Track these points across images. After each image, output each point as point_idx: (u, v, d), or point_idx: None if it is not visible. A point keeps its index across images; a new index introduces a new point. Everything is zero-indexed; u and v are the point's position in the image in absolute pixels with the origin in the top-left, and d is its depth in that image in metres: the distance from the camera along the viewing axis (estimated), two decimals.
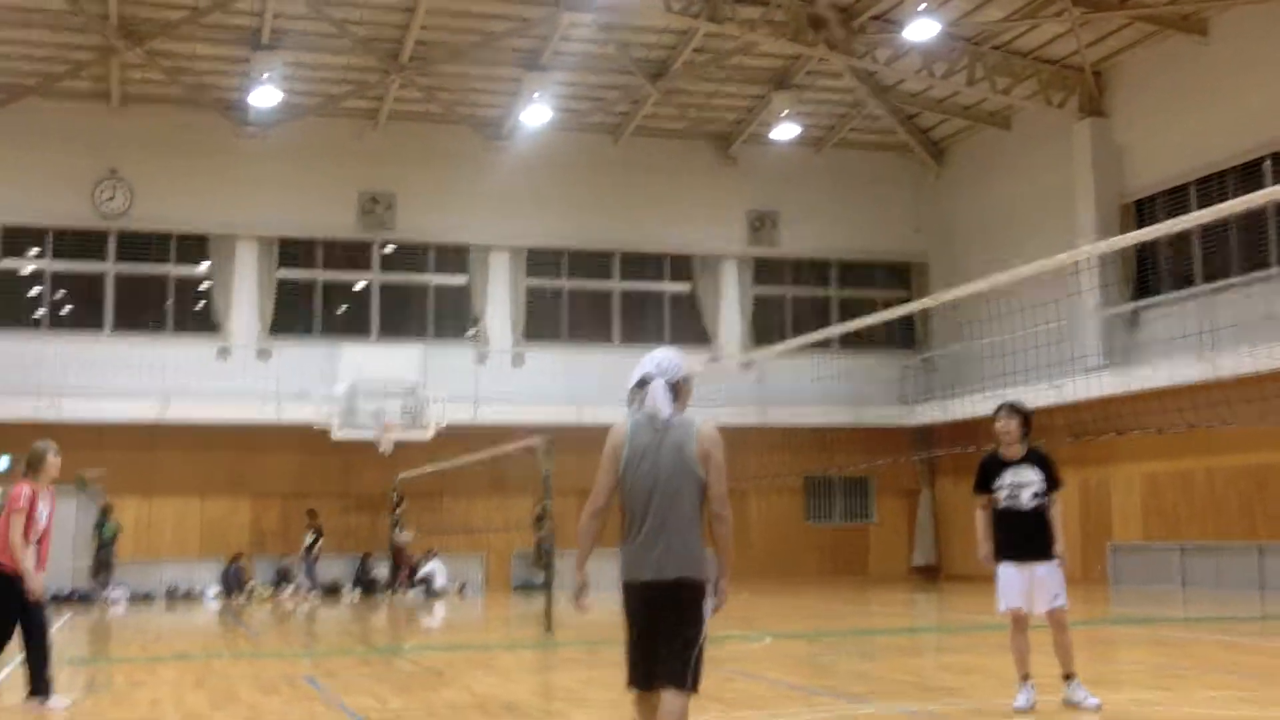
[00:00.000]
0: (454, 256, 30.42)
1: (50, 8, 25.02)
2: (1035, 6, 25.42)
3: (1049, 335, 22.89)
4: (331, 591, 27.70)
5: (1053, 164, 28.54)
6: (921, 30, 24.60)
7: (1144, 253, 26.55)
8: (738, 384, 28.62)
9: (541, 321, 30.81)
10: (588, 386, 29.32)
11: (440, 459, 26.19)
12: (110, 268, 28.54)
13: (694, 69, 28.81)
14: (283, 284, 29.23)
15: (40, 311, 28.20)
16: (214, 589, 27.21)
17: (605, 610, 23.09)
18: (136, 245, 28.63)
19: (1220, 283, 24.29)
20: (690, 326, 31.60)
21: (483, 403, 28.70)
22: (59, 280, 28.58)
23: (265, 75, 26.66)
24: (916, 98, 30.55)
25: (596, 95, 30.10)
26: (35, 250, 28.53)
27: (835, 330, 13.86)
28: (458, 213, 30.14)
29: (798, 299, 32.70)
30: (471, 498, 28.96)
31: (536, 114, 28.53)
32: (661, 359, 6.32)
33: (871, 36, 27.00)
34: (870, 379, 30.47)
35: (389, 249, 30.15)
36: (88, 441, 24.56)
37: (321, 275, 29.73)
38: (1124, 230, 25.13)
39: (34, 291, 28.44)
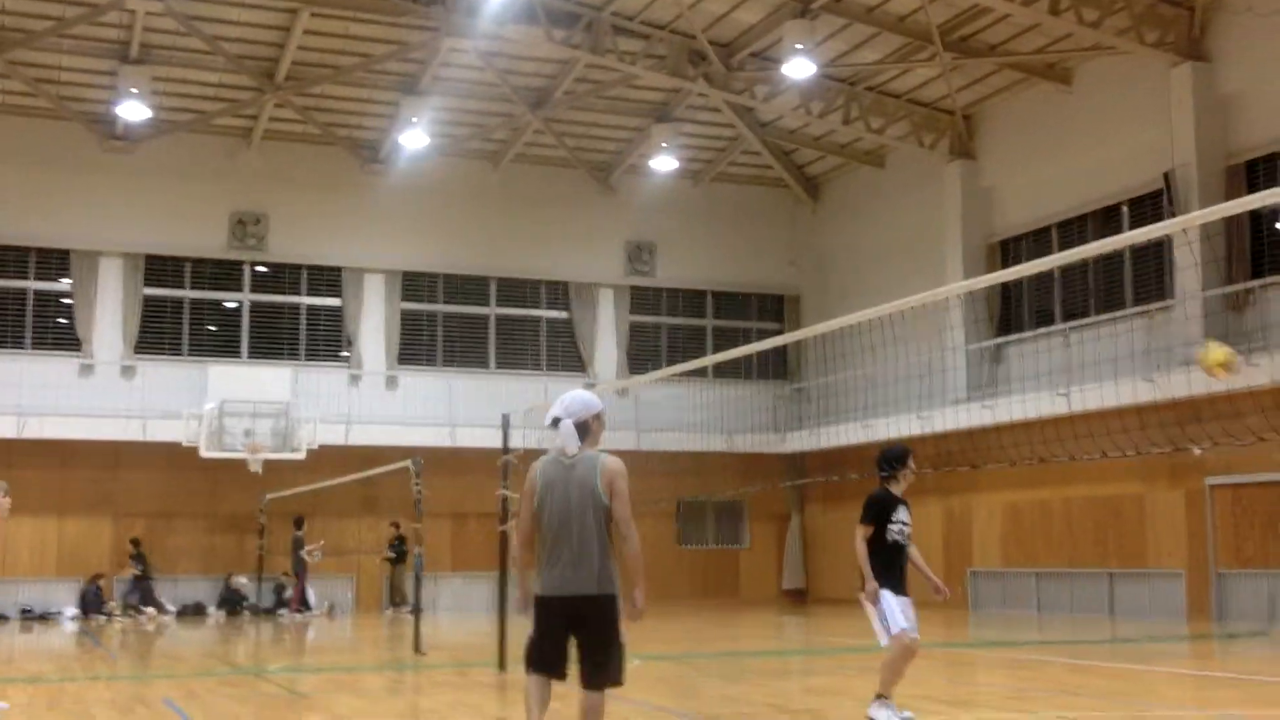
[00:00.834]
0: (327, 278, 30.15)
1: None
2: (908, 50, 26.12)
3: (917, 368, 23.52)
4: (196, 612, 27.24)
5: (924, 203, 29.33)
6: (799, 69, 25.11)
7: (1008, 291, 27.40)
8: (614, 410, 28.72)
9: (416, 345, 30.69)
10: (462, 410, 29.36)
11: (312, 480, 25.94)
12: None
13: (575, 99, 29.01)
14: (149, 301, 28.67)
15: None
16: (72, 610, 26.52)
17: (473, 632, 23.04)
18: None
19: (1079, 321, 25.15)
20: (566, 352, 31.76)
21: (355, 424, 28.53)
22: None
23: (133, 89, 26.19)
24: (793, 134, 31.15)
25: (476, 122, 30.13)
26: None
27: (710, 359, 14.08)
28: (332, 235, 29.90)
29: (673, 327, 33.03)
30: (343, 518, 28.68)
31: (414, 138, 28.42)
32: (570, 401, 7.07)
33: (750, 74, 27.50)
34: (744, 407, 30.87)
35: (260, 269, 29.77)
36: None
37: (190, 294, 29.24)
38: (990, 269, 25.96)
39: None
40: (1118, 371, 21.62)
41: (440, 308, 31.06)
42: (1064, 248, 23.73)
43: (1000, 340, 27.09)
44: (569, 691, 6.71)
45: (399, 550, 27.70)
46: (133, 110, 26.63)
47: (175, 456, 27.13)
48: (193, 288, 29.23)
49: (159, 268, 28.86)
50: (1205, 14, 23.11)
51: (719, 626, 23.12)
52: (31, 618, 26.36)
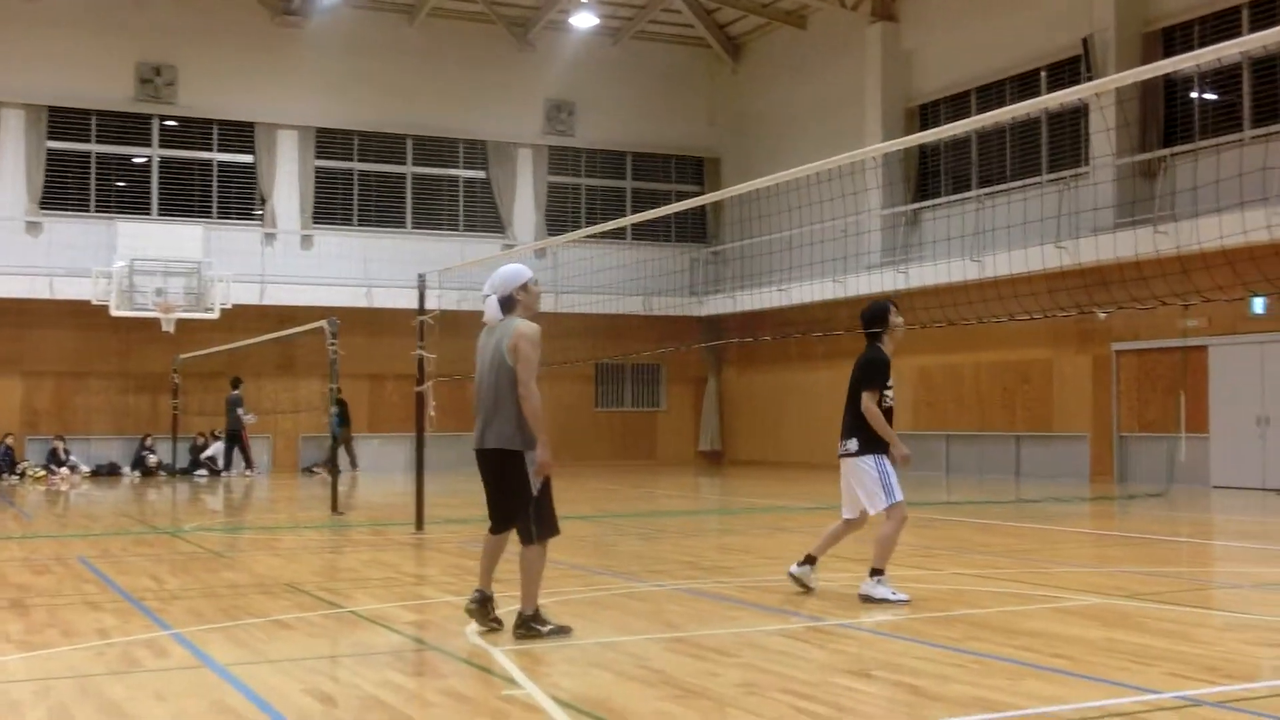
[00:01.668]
0: (239, 134, 29.47)
1: None
2: None
3: (833, 232, 23.63)
4: (110, 473, 27.11)
5: (844, 65, 29.20)
6: None
7: (925, 157, 27.51)
8: (532, 271, 28.65)
9: (331, 204, 30.23)
10: (379, 270, 29.11)
11: (226, 340, 25.71)
12: None
13: None
14: (53, 155, 27.88)
15: None
16: None
17: (391, 493, 23.08)
18: None
19: (994, 188, 25.36)
20: (485, 213, 31.49)
21: (270, 284, 28.22)
22: None
23: None
24: None
25: None
26: None
27: (629, 220, 14.02)
28: (244, 89, 29.15)
29: (592, 189, 32.82)
30: (259, 379, 28.47)
31: None
32: (495, 278, 7.63)
33: None
34: (662, 270, 30.93)
35: (170, 123, 29.00)
36: None
37: (96, 148, 28.44)
38: (908, 133, 25.99)
39: None
40: (1030, 238, 21.91)
41: (356, 165, 30.55)
42: (982, 113, 23.83)
43: (916, 205, 27.27)
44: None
45: (342, 414, 27.07)
46: None
47: (85, 315, 26.73)
48: (99, 141, 28.43)
49: (63, 120, 28.01)
50: None
51: (635, 487, 23.47)
52: None
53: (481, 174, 31.60)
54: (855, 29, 28.73)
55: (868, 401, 8.90)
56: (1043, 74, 24.76)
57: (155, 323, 26.61)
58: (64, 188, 28.06)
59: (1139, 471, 22.60)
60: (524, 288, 7.59)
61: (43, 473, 26.13)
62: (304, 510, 18.48)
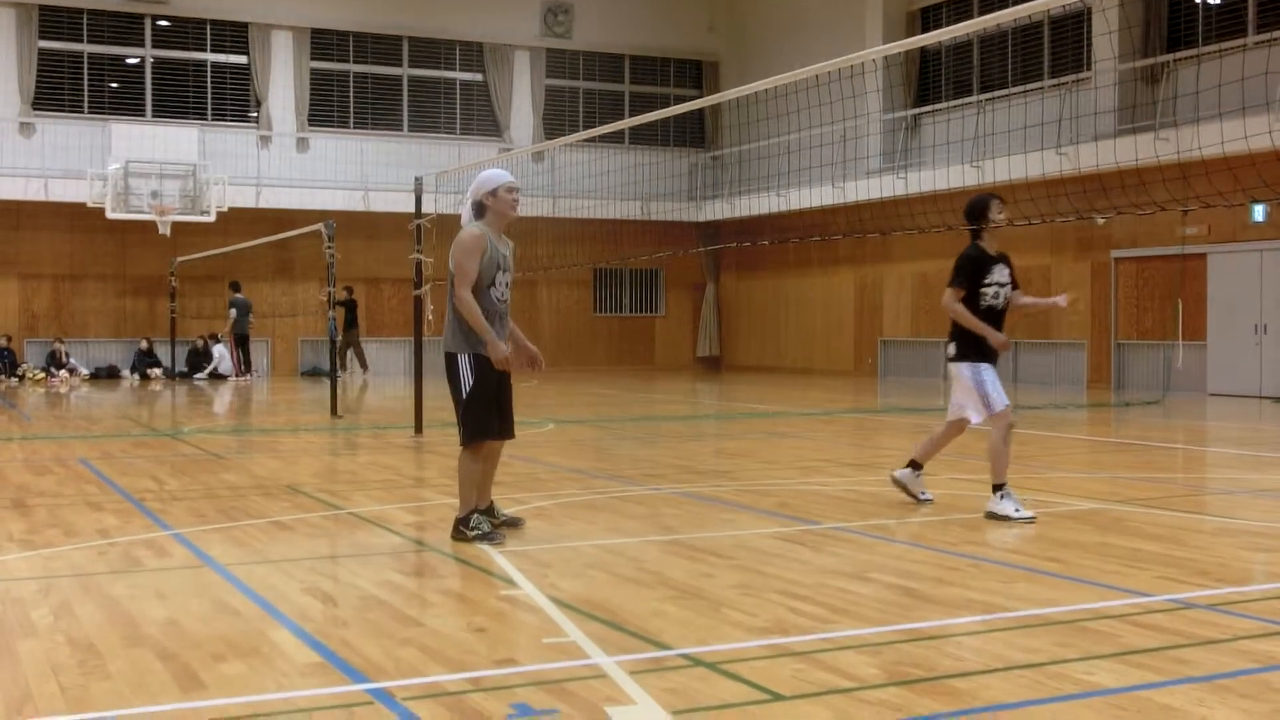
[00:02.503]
0: (233, 34, 29.09)
1: None
2: None
3: (833, 136, 23.45)
4: (110, 376, 27.20)
5: None
6: None
7: (926, 60, 27.21)
8: (529, 176, 28.53)
9: (326, 106, 29.94)
10: (375, 173, 28.94)
11: (223, 243, 25.64)
12: None
13: None
14: (45, 55, 27.54)
15: None
16: None
17: (390, 396, 23.18)
18: None
19: (995, 93, 25.12)
20: (481, 116, 31.21)
21: (266, 187, 28.07)
22: None
23: None
24: None
25: None
26: None
27: (627, 122, 13.90)
28: None
29: (590, 92, 32.49)
30: (256, 281, 28.44)
31: None
32: (472, 184, 7.55)
33: None
34: (660, 174, 30.75)
35: (163, 23, 28.61)
36: None
37: (89, 48, 28.09)
38: (909, 36, 25.67)
39: None
40: (1030, 143, 21.75)
41: (351, 67, 30.21)
42: (984, 16, 23.52)
43: (917, 110, 27.04)
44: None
45: (351, 314, 26.95)
46: None
47: (80, 217, 26.64)
48: (90, 41, 28.07)
49: (54, 19, 27.64)
50: None
51: (633, 392, 23.54)
52: None
53: (478, 76, 31.27)
54: None
55: (949, 298, 8.43)
56: None
57: (151, 225, 26.52)
58: (57, 88, 27.76)
59: (1136, 379, 22.67)
60: (493, 193, 7.44)
61: (42, 375, 26.19)
62: (304, 414, 18.55)
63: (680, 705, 4.21)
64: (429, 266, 14.60)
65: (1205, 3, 22.11)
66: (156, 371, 27.36)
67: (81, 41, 28.01)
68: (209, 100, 28.99)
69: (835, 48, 23.00)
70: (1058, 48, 24.40)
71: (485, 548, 7.14)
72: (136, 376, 27.19)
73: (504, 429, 7.58)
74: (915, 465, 8.91)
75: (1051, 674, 4.57)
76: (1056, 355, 24.16)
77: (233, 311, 26.62)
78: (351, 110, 30.24)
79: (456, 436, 7.58)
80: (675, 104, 20.78)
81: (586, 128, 29.43)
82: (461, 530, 7.40)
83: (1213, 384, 21.28)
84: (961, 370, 8.49)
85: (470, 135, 30.79)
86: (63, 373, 26.39)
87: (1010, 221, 8.44)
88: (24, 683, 4.51)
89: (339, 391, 18.38)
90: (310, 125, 29.49)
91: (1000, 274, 8.45)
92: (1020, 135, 21.90)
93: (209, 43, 28.99)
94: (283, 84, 29.23)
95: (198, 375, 27.24)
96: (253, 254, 26.72)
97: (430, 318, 14.56)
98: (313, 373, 28.56)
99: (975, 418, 8.53)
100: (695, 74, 33.28)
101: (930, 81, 27.43)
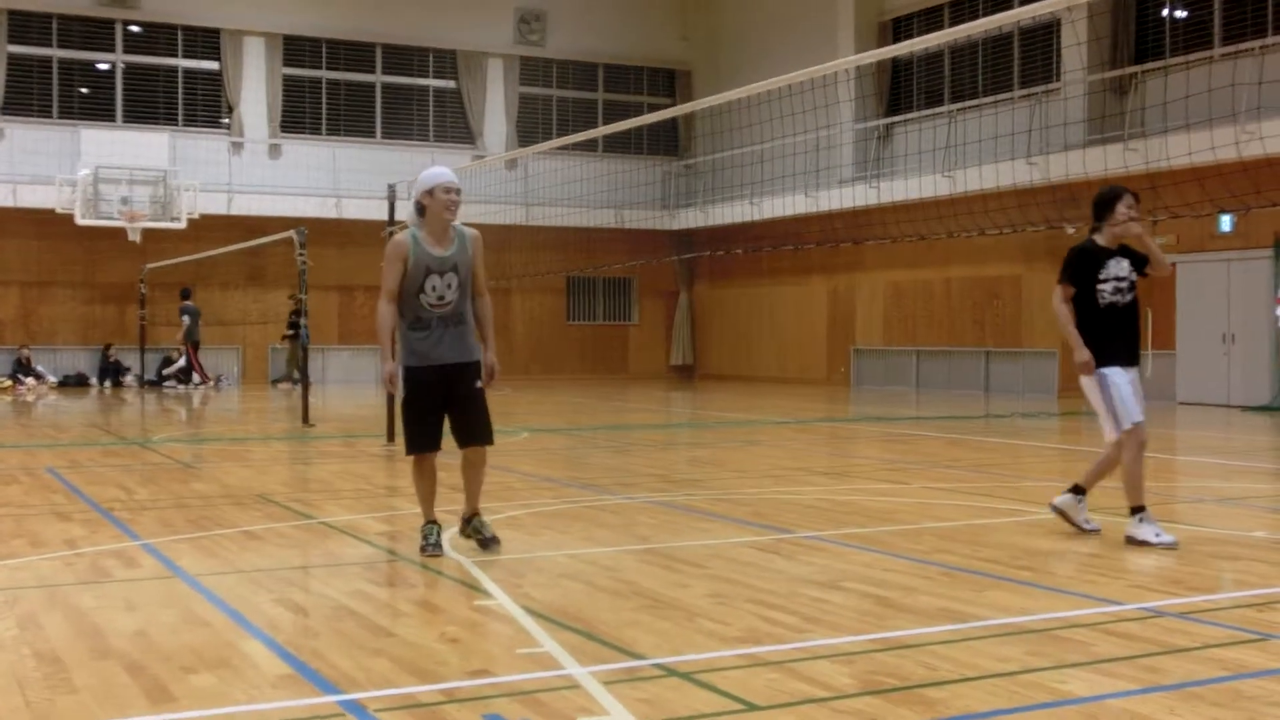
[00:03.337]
0: (204, 40, 28.96)
1: None
2: None
3: (806, 146, 23.52)
4: (79, 383, 27.01)
5: None
6: None
7: (898, 71, 27.34)
8: (502, 184, 28.52)
9: (299, 113, 29.83)
10: (349, 181, 28.85)
11: (194, 250, 25.51)
12: None
13: None
14: (14, 60, 27.35)
15: None
16: None
17: (361, 404, 23.03)
18: None
19: (966, 103, 25.26)
20: (455, 124, 31.16)
21: (238, 193, 27.95)
22: None
23: None
24: None
25: None
26: None
27: (600, 130, 13.92)
28: None
29: (563, 100, 32.49)
30: (227, 289, 28.33)
31: None
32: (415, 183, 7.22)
33: None
34: (633, 182, 30.75)
35: (134, 28, 28.46)
36: None
37: (58, 53, 27.90)
38: (881, 47, 25.82)
39: None
40: (1001, 153, 21.87)
41: (324, 74, 30.11)
42: (955, 27, 23.66)
43: (889, 120, 27.16)
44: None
45: (297, 325, 26.86)
46: None
47: (49, 224, 26.46)
48: (60, 46, 27.89)
49: (23, 24, 27.45)
50: None
51: (606, 401, 23.52)
52: None
53: (452, 84, 31.22)
54: None
55: (1056, 296, 7.70)
56: None
57: (121, 232, 26.35)
58: (26, 93, 27.57)
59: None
60: (430, 193, 7.08)
61: (9, 383, 25.97)
62: (274, 422, 18.45)
63: (654, 716, 4.20)
64: None
65: (1172, 16, 22.29)
66: (129, 378, 27.21)
67: (51, 46, 27.82)
68: (180, 106, 28.84)
69: (807, 57, 23.10)
70: (1027, 59, 24.56)
71: (459, 557, 7.11)
72: (109, 384, 27.01)
73: (461, 441, 7.21)
74: (1078, 490, 7.97)
75: (1024, 683, 4.58)
76: (1027, 364, 24.28)
77: (186, 319, 26.51)
78: (324, 117, 30.13)
79: None
80: (649, 112, 20.81)
81: (560, 135, 29.44)
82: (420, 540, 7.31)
83: (1182, 393, 21.42)
84: (1091, 379, 7.67)
85: (444, 143, 30.73)
86: (29, 380, 26.18)
87: (1138, 219, 7.64)
88: None
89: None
90: (282, 132, 29.37)
91: (1118, 268, 7.61)
92: (991, 145, 22.02)
93: (180, 48, 28.84)
94: (255, 90, 29.11)
95: (166, 373, 27.05)
96: (224, 261, 26.60)
97: None
98: (281, 381, 28.41)
99: (1109, 432, 7.68)
100: (669, 82, 33.33)
101: (902, 91, 27.56)
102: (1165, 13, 22.27)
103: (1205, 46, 21.35)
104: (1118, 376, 7.56)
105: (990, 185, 20.45)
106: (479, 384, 7.17)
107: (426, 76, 31.07)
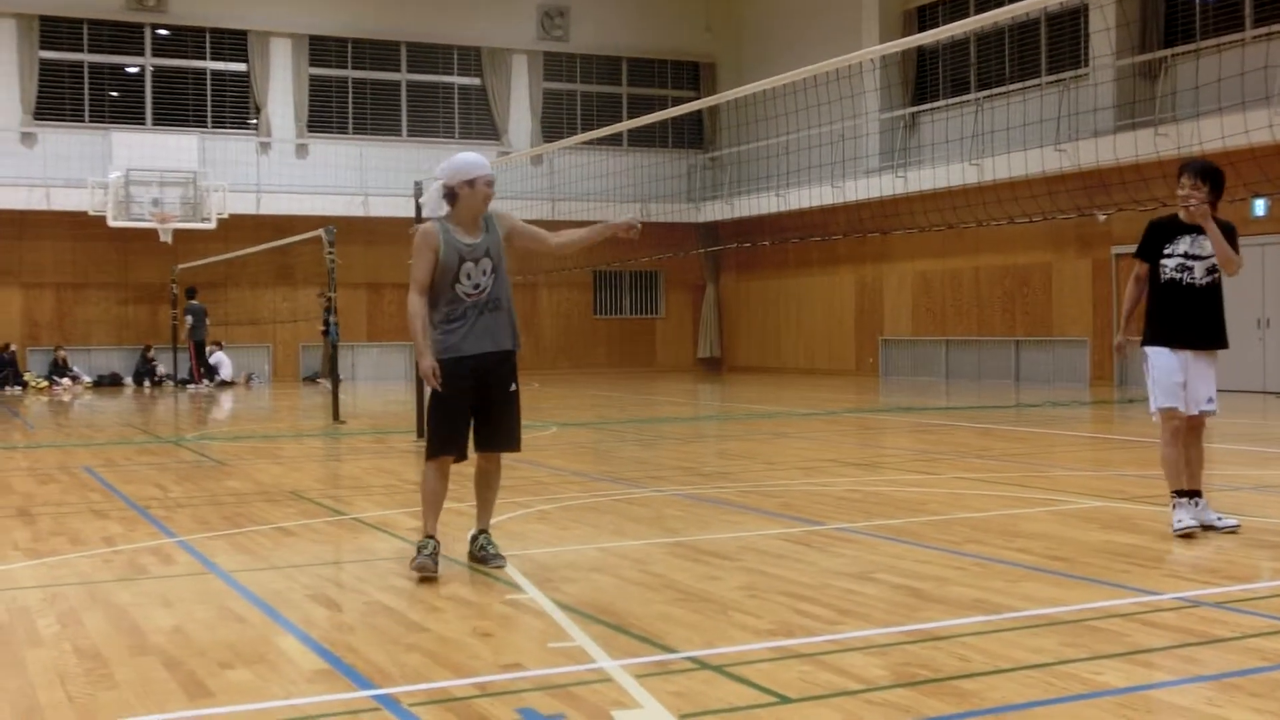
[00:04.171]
0: (232, 42, 29.12)
1: None
2: None
3: (831, 136, 23.46)
4: (113, 383, 27.26)
5: None
6: None
7: (923, 60, 27.22)
8: (528, 179, 28.61)
9: (326, 112, 29.96)
10: (375, 179, 28.96)
11: (224, 250, 25.68)
12: None
13: None
14: (46, 65, 27.57)
15: None
16: None
17: (391, 400, 23.10)
18: None
19: (993, 90, 25.13)
20: (480, 120, 31.22)
21: (266, 193, 28.10)
22: None
23: None
24: None
25: None
26: None
27: (626, 124, 13.92)
28: None
29: (587, 95, 32.50)
30: (257, 289, 28.50)
31: None
32: (447, 163, 6.81)
33: None
34: (658, 175, 30.75)
35: (162, 32, 28.64)
36: None
37: (89, 58, 28.12)
38: (906, 36, 25.68)
39: None
40: (1029, 140, 21.76)
41: (350, 74, 30.23)
42: (981, 14, 23.57)
43: (915, 109, 27.05)
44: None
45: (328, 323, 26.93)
46: None
47: (82, 226, 26.68)
48: (91, 51, 28.11)
49: (54, 29, 27.67)
50: None
51: (634, 394, 23.53)
52: None
53: (476, 81, 31.28)
54: None
55: (1131, 276, 7.40)
56: None
57: (153, 233, 26.57)
58: (58, 98, 27.80)
59: (1139, 375, 22.59)
60: (470, 183, 6.64)
61: (46, 383, 26.21)
62: (306, 419, 18.55)
63: (686, 709, 4.21)
64: None
65: None
66: (162, 369, 27.49)
67: (82, 51, 28.04)
68: (209, 108, 29.02)
69: (832, 47, 23.02)
70: (1055, 44, 24.41)
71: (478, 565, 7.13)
72: (147, 384, 27.26)
73: (481, 444, 6.82)
74: (1189, 494, 7.46)
75: (1059, 674, 4.56)
76: (1057, 353, 24.14)
77: (189, 318, 26.67)
78: (350, 116, 30.26)
79: None
80: (673, 106, 20.83)
81: (584, 130, 29.47)
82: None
83: (1216, 379, 21.24)
84: (1146, 355, 7.36)
85: (469, 139, 30.78)
86: (65, 380, 26.41)
87: (1186, 198, 7.16)
88: (31, 692, 4.51)
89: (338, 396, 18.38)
90: (310, 131, 29.51)
91: (1188, 245, 7.17)
92: (1019, 132, 21.91)
93: (208, 51, 29.02)
94: (282, 91, 29.26)
95: (195, 385, 27.23)
96: (254, 260, 26.75)
97: None
98: (313, 378, 28.54)
99: (1151, 408, 7.46)
100: (692, 75, 33.30)
101: (928, 80, 27.44)
102: None
103: (1237, 29, 21.16)
104: (1159, 358, 7.31)
105: (1019, 173, 20.35)
106: (514, 387, 6.78)
107: (451, 74, 31.14)
